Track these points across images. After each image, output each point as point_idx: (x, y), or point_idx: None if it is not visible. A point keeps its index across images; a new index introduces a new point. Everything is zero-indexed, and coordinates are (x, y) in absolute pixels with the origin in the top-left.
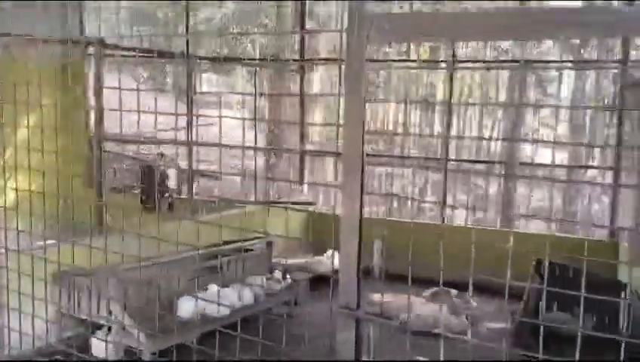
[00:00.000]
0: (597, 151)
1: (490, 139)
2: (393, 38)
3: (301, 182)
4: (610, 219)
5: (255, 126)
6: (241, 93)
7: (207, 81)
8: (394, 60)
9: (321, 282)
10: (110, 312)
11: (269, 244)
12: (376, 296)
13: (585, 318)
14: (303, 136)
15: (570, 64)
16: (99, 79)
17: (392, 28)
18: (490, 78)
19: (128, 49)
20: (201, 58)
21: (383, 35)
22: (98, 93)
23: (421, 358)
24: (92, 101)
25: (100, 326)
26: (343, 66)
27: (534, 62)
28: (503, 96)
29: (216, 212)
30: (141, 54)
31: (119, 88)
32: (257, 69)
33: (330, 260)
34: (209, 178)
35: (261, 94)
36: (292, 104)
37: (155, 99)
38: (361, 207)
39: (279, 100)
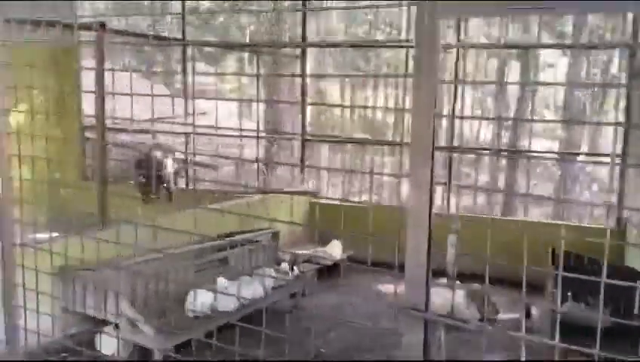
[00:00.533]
0: (586, 139)
1: (507, 118)
2: (465, 13)
3: (302, 169)
4: (618, 204)
5: (257, 113)
6: (248, 75)
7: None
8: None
9: (326, 272)
10: (118, 308)
11: (276, 235)
12: (384, 286)
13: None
14: (304, 123)
15: (570, 46)
16: (101, 64)
17: (465, 3)
18: (480, 65)
19: (130, 34)
20: (200, 44)
21: (454, 10)
22: (101, 78)
23: None
24: (85, 87)
25: (105, 322)
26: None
27: (539, 46)
28: (491, 86)
29: (217, 203)
30: (141, 39)
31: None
32: (256, 54)
33: (336, 250)
34: (207, 168)
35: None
36: (290, 90)
37: (163, 95)
38: (431, 199)
39: (276, 87)
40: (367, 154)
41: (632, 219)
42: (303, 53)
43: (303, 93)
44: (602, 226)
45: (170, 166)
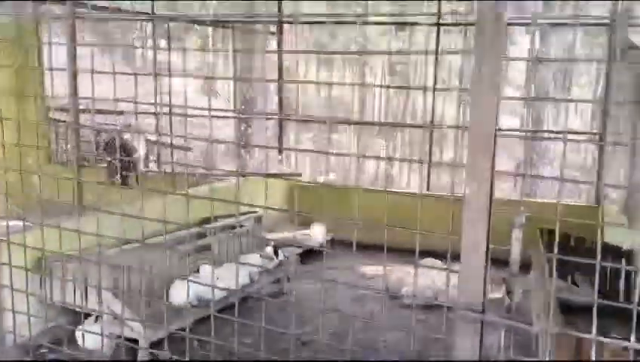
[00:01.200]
0: (551, 116)
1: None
2: None
3: (280, 151)
4: (597, 181)
5: (235, 93)
6: (222, 51)
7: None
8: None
9: (310, 255)
10: (100, 300)
11: (259, 219)
12: (369, 269)
13: (585, 286)
14: (282, 102)
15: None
16: (73, 40)
17: None
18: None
19: (99, 8)
20: (171, 19)
21: None
22: (72, 55)
23: None
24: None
25: (87, 316)
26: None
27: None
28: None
29: (195, 186)
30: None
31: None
32: (232, 30)
33: (318, 233)
34: (180, 149)
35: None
36: (262, 68)
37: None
38: (492, 189)
39: (250, 66)
40: (334, 133)
41: (611, 195)
42: (280, 29)
43: (280, 71)
44: (581, 204)
45: (141, 148)
